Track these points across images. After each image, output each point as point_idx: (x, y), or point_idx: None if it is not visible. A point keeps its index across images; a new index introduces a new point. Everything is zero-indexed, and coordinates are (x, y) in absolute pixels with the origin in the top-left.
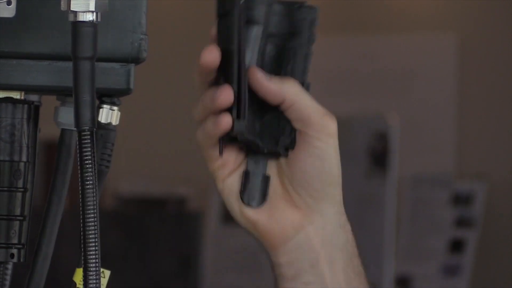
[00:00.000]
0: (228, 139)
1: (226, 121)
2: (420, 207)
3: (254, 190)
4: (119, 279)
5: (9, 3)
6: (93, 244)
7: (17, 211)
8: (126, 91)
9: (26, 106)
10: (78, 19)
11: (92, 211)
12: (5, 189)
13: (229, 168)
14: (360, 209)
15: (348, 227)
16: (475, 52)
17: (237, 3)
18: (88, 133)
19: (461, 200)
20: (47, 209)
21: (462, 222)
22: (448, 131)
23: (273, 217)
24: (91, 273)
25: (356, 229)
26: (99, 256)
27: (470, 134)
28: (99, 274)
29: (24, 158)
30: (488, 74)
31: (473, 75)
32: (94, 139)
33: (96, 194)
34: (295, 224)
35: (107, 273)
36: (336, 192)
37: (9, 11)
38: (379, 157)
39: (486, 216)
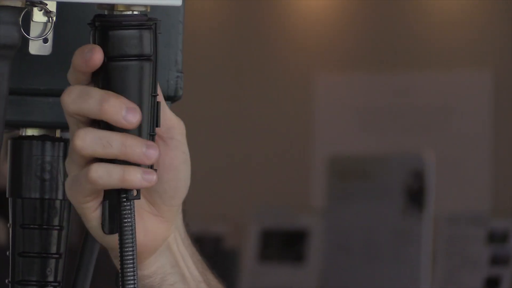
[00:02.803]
0: None
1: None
2: (456, 245)
3: (113, 218)
4: None
5: (45, 41)
6: (132, 282)
7: (53, 249)
8: None
9: (62, 144)
10: None
11: (130, 247)
12: (41, 226)
13: (99, 200)
14: (396, 246)
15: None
16: (511, 90)
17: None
18: None
19: (497, 237)
20: (83, 246)
21: (498, 260)
22: (484, 169)
23: (147, 236)
24: None
25: (392, 266)
26: None
27: (506, 172)
28: None
29: (60, 196)
30: None
31: (509, 112)
32: None
33: (133, 231)
34: (164, 235)
35: None
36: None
37: (45, 49)
38: (415, 195)
39: None
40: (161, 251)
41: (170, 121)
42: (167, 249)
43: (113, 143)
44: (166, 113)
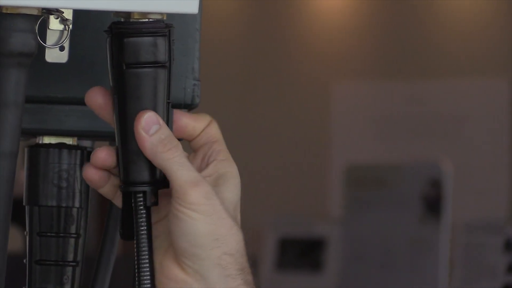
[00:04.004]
0: None
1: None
2: (473, 253)
3: (130, 224)
4: None
5: (62, 48)
6: None
7: (70, 257)
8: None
9: (79, 151)
10: None
11: (146, 254)
12: (58, 234)
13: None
14: (413, 255)
15: None
16: None
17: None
18: None
19: None
20: (100, 254)
21: None
22: (501, 177)
23: (162, 272)
24: None
25: (410, 274)
26: None
27: None
28: None
29: (77, 204)
30: None
31: None
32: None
33: (150, 237)
34: (178, 280)
35: None
36: (209, 254)
37: (62, 57)
38: (432, 203)
39: None
40: None
41: (172, 180)
42: None
43: None
44: (175, 173)
